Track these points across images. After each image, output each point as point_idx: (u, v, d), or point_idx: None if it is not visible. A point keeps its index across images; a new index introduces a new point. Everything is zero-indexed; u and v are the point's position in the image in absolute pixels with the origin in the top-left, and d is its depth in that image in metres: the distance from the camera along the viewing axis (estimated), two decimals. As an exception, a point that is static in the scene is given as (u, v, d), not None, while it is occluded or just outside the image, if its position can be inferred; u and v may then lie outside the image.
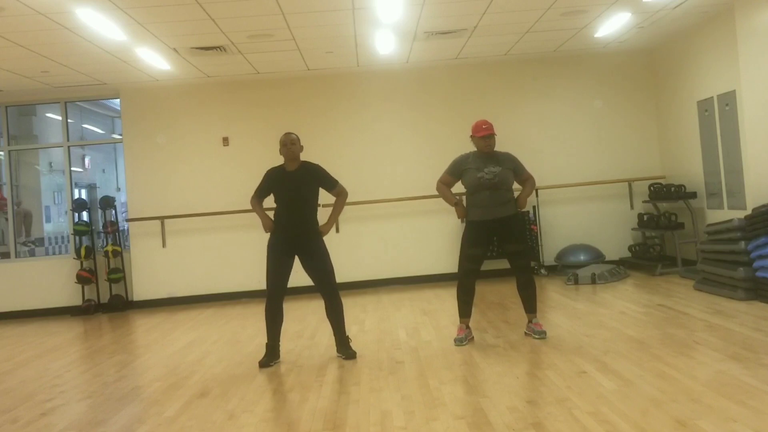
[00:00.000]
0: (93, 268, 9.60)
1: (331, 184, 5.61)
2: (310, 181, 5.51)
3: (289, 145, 5.47)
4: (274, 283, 5.47)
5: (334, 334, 5.62)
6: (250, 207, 5.74)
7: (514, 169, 5.67)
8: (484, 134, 5.57)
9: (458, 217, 5.72)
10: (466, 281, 5.71)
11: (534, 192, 9.29)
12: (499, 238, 5.66)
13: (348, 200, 5.75)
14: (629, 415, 3.63)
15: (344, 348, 5.54)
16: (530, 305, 5.72)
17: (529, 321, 5.74)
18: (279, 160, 5.61)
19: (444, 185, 5.78)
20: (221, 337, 7.00)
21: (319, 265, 5.47)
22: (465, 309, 5.75)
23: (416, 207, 9.57)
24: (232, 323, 7.76)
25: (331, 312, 5.56)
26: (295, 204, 5.46)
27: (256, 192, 5.65)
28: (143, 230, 9.62)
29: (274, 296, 5.49)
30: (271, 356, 5.51)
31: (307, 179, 5.49)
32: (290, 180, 5.48)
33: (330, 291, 5.52)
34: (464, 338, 5.67)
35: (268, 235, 5.57)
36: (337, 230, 9.29)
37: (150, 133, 9.71)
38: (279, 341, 5.58)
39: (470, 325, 5.80)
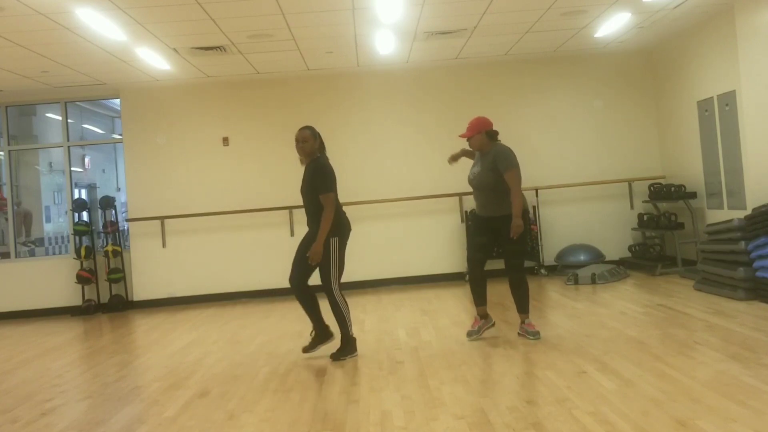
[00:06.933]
0: (93, 268, 9.60)
1: (318, 190, 5.37)
2: (311, 179, 5.49)
3: (300, 143, 5.51)
4: (291, 273, 5.55)
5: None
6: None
7: (493, 167, 5.51)
8: (463, 137, 5.78)
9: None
10: (473, 269, 5.75)
11: (533, 192, 9.41)
12: (494, 236, 5.66)
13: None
14: (629, 415, 3.63)
15: (338, 352, 5.45)
16: (522, 305, 5.70)
17: (522, 321, 5.72)
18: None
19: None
20: (221, 337, 6.99)
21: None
22: (477, 299, 5.76)
23: (416, 207, 9.58)
24: (232, 323, 7.76)
25: (331, 310, 5.55)
26: (303, 198, 5.53)
27: None
28: (143, 230, 9.62)
29: (291, 287, 5.56)
30: (319, 339, 5.55)
31: (309, 176, 5.49)
32: (304, 174, 5.56)
33: (323, 289, 5.49)
34: (477, 331, 5.69)
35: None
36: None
37: (150, 133, 9.71)
38: (322, 322, 5.58)
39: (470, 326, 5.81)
